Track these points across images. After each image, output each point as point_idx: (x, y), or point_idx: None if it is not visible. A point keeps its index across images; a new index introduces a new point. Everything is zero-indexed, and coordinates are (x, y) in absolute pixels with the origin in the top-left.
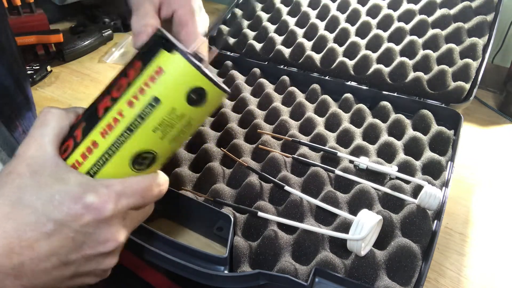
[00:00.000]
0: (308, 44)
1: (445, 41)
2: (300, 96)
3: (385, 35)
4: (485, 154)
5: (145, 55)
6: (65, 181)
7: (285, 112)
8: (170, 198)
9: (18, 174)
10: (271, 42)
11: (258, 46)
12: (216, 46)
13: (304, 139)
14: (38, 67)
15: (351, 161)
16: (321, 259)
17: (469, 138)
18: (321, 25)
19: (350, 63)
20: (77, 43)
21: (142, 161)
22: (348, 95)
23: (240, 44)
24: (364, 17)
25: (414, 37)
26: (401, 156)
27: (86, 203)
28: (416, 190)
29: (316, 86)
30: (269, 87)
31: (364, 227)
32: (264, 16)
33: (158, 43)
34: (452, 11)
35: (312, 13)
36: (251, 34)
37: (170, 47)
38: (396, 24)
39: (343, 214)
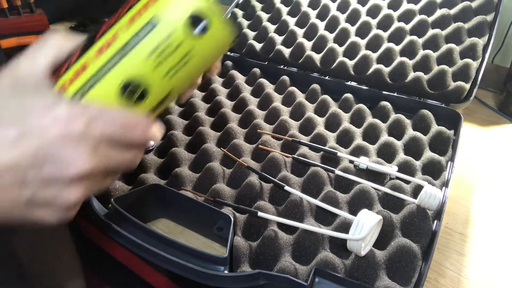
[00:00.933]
0: (308, 44)
1: (445, 41)
2: (300, 96)
3: (385, 35)
4: (485, 154)
5: None
6: (41, 95)
7: (285, 112)
8: (170, 198)
9: (0, 84)
10: (271, 42)
11: (258, 46)
12: None
13: (304, 139)
14: None
15: (351, 161)
16: (321, 259)
17: (469, 138)
18: (321, 25)
19: (350, 63)
20: None
21: (131, 93)
22: (348, 95)
23: (240, 44)
24: (364, 17)
25: (414, 37)
26: (401, 156)
27: (56, 115)
28: (416, 190)
29: (316, 86)
30: (269, 87)
31: (364, 227)
32: (264, 16)
33: None
34: (452, 11)
35: (312, 13)
36: (251, 34)
37: None
38: (396, 24)
39: (343, 214)
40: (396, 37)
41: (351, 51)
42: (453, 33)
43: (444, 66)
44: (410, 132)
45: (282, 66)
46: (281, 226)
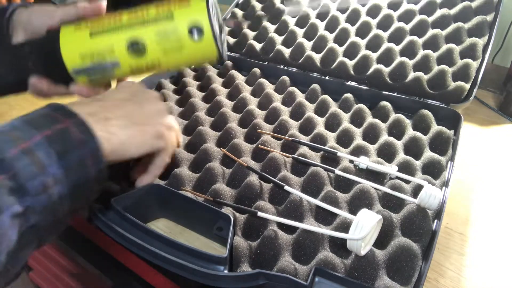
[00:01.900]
0: (308, 44)
1: (445, 41)
2: (300, 96)
3: (385, 35)
4: (485, 154)
5: None
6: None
7: (285, 112)
8: (170, 198)
9: None
10: (271, 42)
11: (258, 46)
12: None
13: (304, 139)
14: None
15: (351, 161)
16: (321, 259)
17: (469, 138)
18: (321, 25)
19: (350, 63)
20: None
21: (137, 47)
22: (348, 95)
23: (240, 44)
24: (364, 17)
25: (414, 37)
26: (401, 156)
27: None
28: (416, 190)
29: (316, 86)
30: (269, 87)
31: (364, 227)
32: (264, 16)
33: None
34: (452, 11)
35: (312, 13)
36: (251, 34)
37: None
38: (396, 24)
39: (343, 213)
40: (396, 37)
41: (351, 51)
42: (453, 33)
43: (444, 66)
44: (410, 132)
45: (282, 66)
46: (281, 226)
